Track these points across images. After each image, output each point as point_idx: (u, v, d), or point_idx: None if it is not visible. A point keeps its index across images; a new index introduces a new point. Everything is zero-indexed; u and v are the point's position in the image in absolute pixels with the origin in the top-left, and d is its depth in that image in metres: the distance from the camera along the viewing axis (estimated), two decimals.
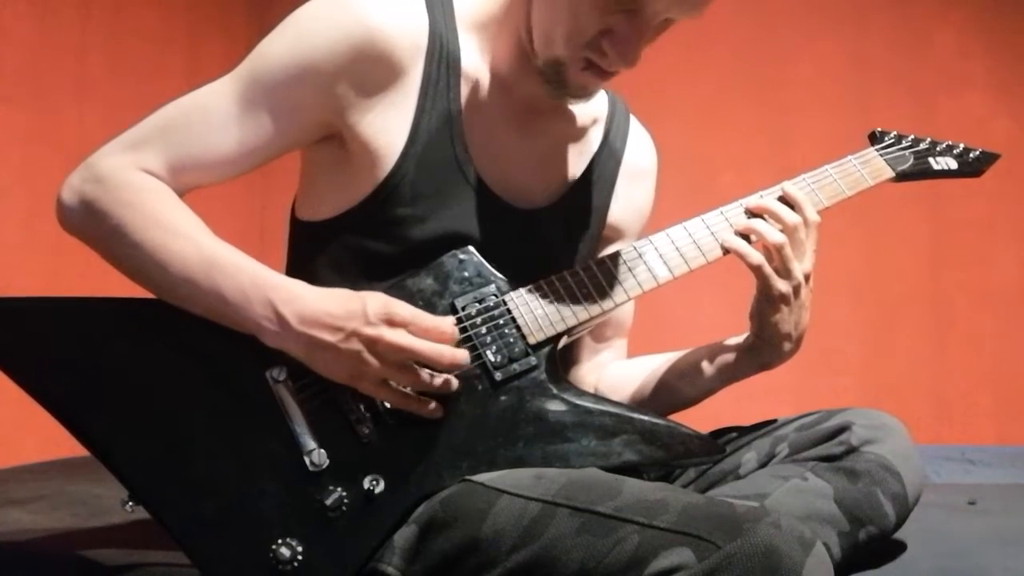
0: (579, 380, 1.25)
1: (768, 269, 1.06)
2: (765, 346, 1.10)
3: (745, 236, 1.08)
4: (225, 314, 0.96)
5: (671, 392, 1.18)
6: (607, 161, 1.20)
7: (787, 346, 1.10)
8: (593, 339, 1.26)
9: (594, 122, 1.21)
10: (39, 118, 2.34)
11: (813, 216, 1.09)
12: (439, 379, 0.96)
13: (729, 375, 1.15)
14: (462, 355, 0.96)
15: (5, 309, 0.99)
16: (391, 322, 0.93)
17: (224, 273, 0.95)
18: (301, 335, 0.93)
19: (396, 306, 0.95)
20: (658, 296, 1.12)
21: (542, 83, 1.05)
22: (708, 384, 1.16)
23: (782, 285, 1.06)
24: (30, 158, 2.29)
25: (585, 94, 1.07)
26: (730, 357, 1.14)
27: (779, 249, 1.06)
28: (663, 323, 2.03)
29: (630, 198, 1.24)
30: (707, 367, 1.16)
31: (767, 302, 1.07)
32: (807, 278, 1.08)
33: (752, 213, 1.10)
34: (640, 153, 1.25)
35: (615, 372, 1.25)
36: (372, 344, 0.93)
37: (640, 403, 1.20)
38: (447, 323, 0.97)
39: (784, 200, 1.10)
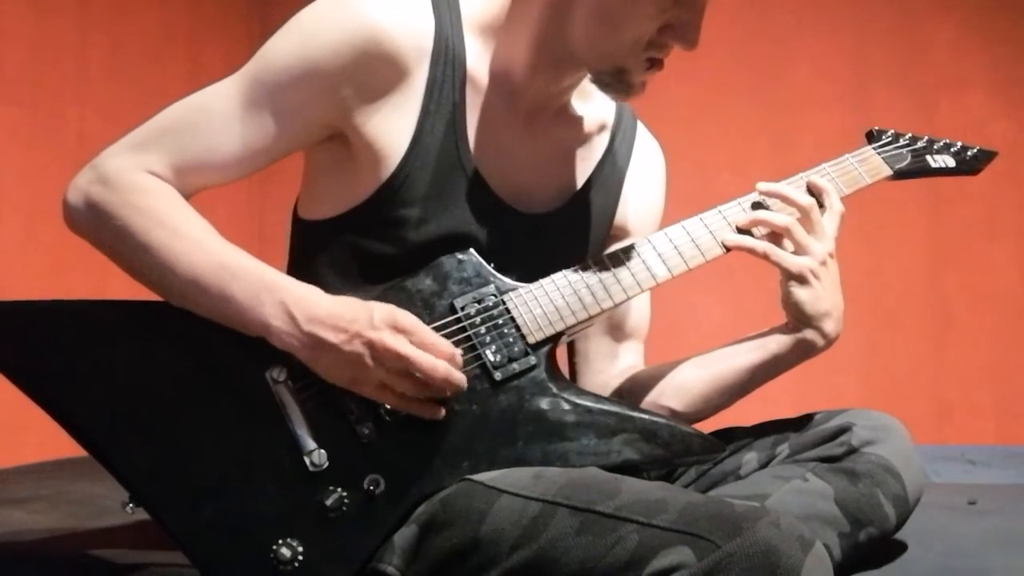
0: (603, 387, 1.21)
1: (779, 252, 1.06)
2: (808, 329, 1.08)
3: (748, 232, 1.08)
4: (231, 315, 0.96)
5: (719, 407, 1.14)
6: (612, 166, 1.20)
7: (829, 325, 1.07)
8: (613, 343, 1.23)
9: (601, 127, 1.20)
10: (39, 118, 2.34)
11: (807, 200, 1.08)
12: (435, 388, 0.96)
13: (778, 371, 1.11)
14: (458, 377, 0.95)
15: (5, 312, 0.99)
16: (394, 328, 0.94)
17: (232, 275, 0.96)
18: (307, 335, 0.94)
19: (401, 315, 0.95)
20: (658, 296, 1.12)
21: (599, 88, 1.06)
22: (756, 383, 1.12)
23: (803, 260, 1.05)
24: (30, 158, 2.29)
25: (643, 88, 1.07)
26: (771, 352, 1.10)
27: (788, 230, 1.06)
28: (663, 323, 2.03)
29: (639, 202, 1.23)
30: (753, 367, 1.11)
31: (795, 282, 1.06)
32: (831, 256, 1.07)
33: (762, 200, 1.10)
34: (647, 159, 1.24)
35: (645, 381, 1.19)
36: (372, 347, 0.93)
37: (685, 412, 1.13)
38: (449, 345, 0.96)
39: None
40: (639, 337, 1.26)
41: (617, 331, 1.23)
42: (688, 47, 1.01)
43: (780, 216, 1.07)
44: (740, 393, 1.13)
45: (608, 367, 1.23)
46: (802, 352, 1.09)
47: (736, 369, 1.11)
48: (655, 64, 1.03)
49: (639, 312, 1.24)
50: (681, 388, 1.14)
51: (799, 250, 1.06)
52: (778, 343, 1.10)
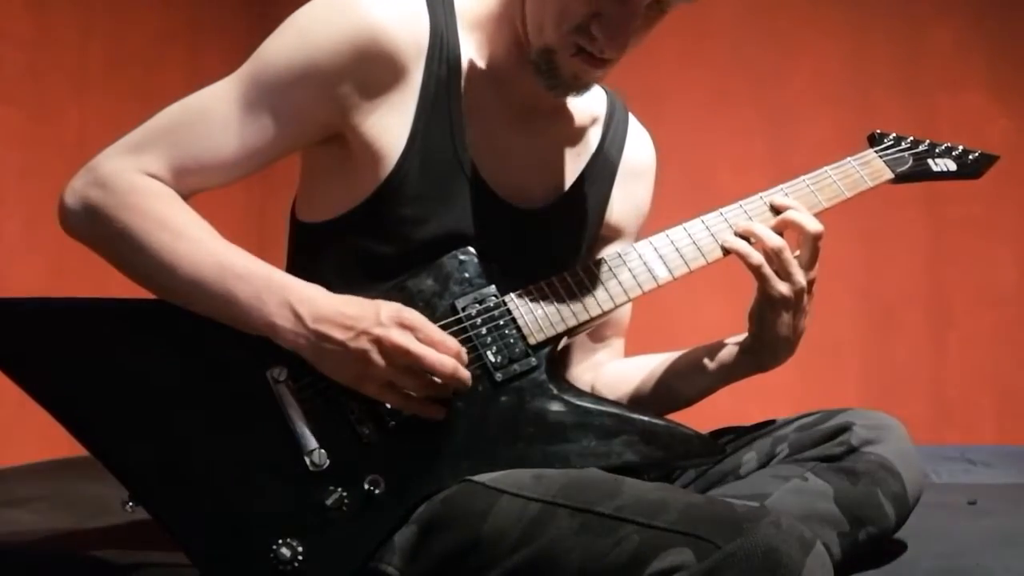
0: (575, 379, 1.25)
1: (768, 270, 1.06)
2: (763, 348, 1.10)
3: (745, 238, 1.09)
4: (235, 316, 0.96)
5: (667, 391, 1.18)
6: (606, 160, 1.20)
7: (784, 350, 1.10)
8: (590, 338, 1.26)
9: (593, 121, 1.21)
10: (39, 118, 2.34)
11: (816, 227, 1.08)
12: (441, 385, 0.96)
13: (726, 376, 1.15)
14: (464, 374, 0.96)
15: (5, 309, 0.99)
16: (401, 325, 0.94)
17: (236, 276, 0.96)
18: (314, 333, 0.94)
19: (407, 312, 0.95)
20: (658, 297, 1.12)
21: (536, 75, 1.04)
22: (704, 384, 1.16)
23: (783, 287, 1.06)
24: (30, 158, 2.29)
25: (578, 85, 1.05)
26: (727, 358, 1.14)
27: (778, 253, 1.06)
28: (663, 324, 2.03)
29: (628, 197, 1.24)
30: (704, 367, 1.16)
31: (768, 304, 1.07)
32: (811, 284, 1.08)
33: (776, 209, 1.10)
34: (639, 152, 1.26)
35: (612, 371, 1.25)
36: (379, 343, 0.93)
37: (636, 402, 1.19)
38: (455, 342, 0.97)
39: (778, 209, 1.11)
40: (619, 331, 1.29)
41: (597, 327, 1.24)
42: (611, 46, 0.98)
43: (773, 236, 1.07)
44: (689, 402, 1.18)
45: (584, 360, 1.26)
46: (753, 368, 1.13)
47: (693, 376, 1.16)
48: (583, 55, 1.00)
49: (619, 309, 1.24)
50: (641, 388, 1.20)
51: (782, 275, 1.06)
52: (733, 356, 1.14)
